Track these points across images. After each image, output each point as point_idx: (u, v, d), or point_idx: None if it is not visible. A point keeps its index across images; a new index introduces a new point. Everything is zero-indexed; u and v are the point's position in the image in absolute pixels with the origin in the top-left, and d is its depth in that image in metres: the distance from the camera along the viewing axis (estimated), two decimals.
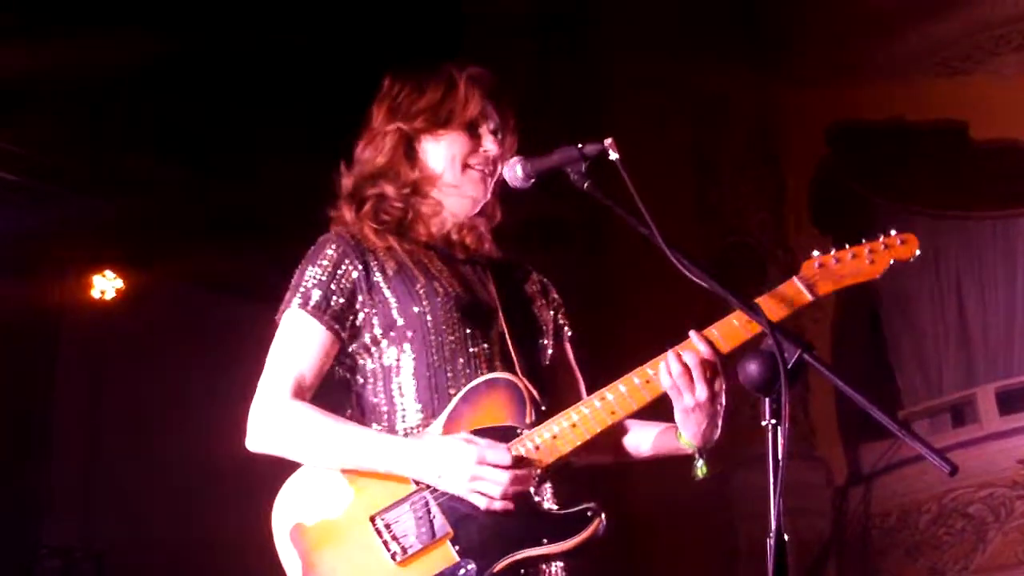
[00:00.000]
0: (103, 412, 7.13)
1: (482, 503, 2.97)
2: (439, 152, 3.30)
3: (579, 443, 3.05)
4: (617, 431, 3.22)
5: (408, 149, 3.31)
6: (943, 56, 7.61)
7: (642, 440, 3.30)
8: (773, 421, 2.63)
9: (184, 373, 7.16)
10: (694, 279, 2.83)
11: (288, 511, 3.05)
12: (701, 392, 3.02)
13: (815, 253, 3.14)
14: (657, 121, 8.13)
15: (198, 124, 6.94)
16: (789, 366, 2.64)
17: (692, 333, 3.05)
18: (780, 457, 2.59)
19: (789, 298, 3.05)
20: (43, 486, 7.02)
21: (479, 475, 2.96)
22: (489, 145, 3.30)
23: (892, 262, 3.16)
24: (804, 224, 8.01)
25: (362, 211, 3.27)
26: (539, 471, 3.04)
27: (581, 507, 3.04)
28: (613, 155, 2.95)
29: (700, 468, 3.13)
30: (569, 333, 3.45)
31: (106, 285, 7.31)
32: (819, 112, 7.96)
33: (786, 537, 2.55)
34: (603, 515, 3.03)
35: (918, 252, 3.14)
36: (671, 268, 2.85)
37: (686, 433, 3.11)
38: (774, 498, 2.55)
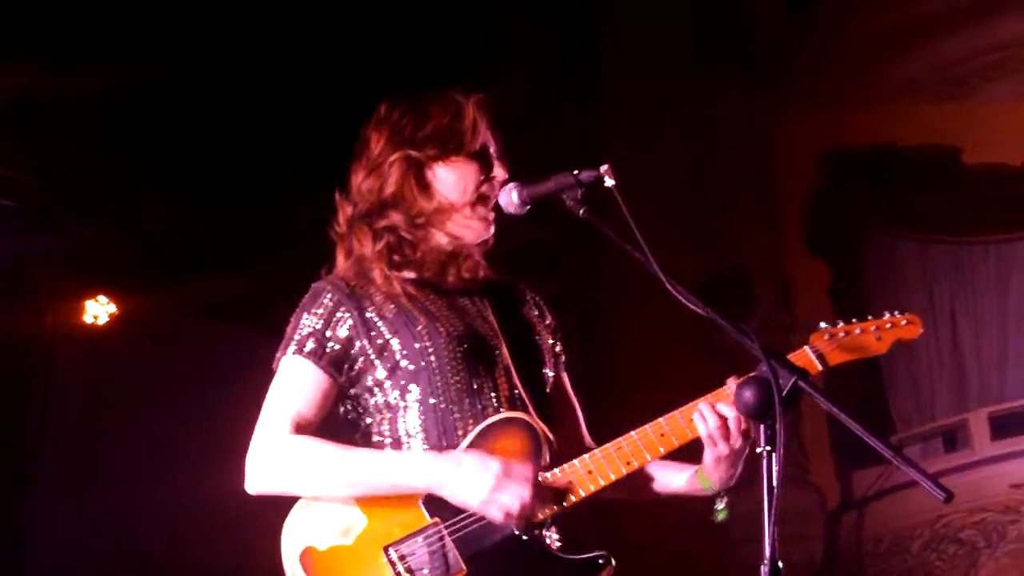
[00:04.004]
0: (95, 437, 7.09)
1: (499, 516, 2.95)
2: (451, 179, 3.24)
3: (593, 490, 3.06)
4: (641, 470, 3.22)
5: (418, 177, 3.25)
6: (936, 82, 7.63)
7: (674, 479, 3.31)
8: (768, 448, 2.64)
9: (177, 399, 7.13)
10: (689, 307, 2.84)
11: (298, 535, 3.01)
12: (736, 441, 3.07)
13: (823, 325, 3.25)
14: (651, 147, 8.14)
15: (194, 150, 6.93)
16: (784, 393, 2.65)
17: (729, 382, 3.07)
18: (775, 484, 2.60)
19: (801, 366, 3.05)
20: (33, 511, 6.99)
21: (501, 487, 2.94)
22: (499, 171, 3.27)
23: (897, 340, 3.27)
24: (798, 249, 8.02)
25: (377, 248, 3.22)
26: (554, 506, 3.03)
27: (594, 554, 3.06)
28: (609, 182, 2.95)
29: (721, 511, 3.16)
30: (564, 358, 3.45)
31: (99, 310, 7.28)
32: (813, 138, 7.96)
33: (780, 564, 2.55)
34: (613, 563, 3.04)
35: (921, 332, 3.28)
36: (665, 295, 2.85)
37: (712, 478, 3.15)
38: (769, 525, 2.55)
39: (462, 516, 3.01)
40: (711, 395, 3.11)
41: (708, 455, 3.11)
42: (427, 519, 3.00)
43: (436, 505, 3.01)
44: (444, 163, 3.26)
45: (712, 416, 3.06)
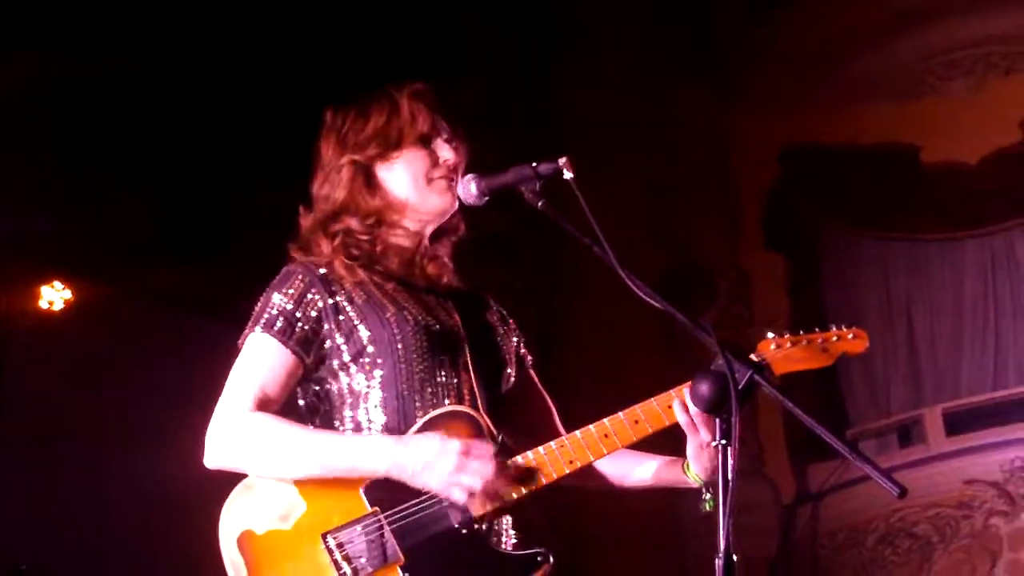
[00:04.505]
0: (50, 424, 7.05)
1: (462, 497, 2.96)
2: (398, 174, 3.26)
3: (535, 487, 3.06)
4: (613, 460, 3.23)
5: (367, 179, 3.26)
6: (895, 81, 7.68)
7: (642, 471, 3.31)
8: (723, 441, 2.65)
9: (133, 386, 7.10)
10: (646, 300, 2.84)
11: (236, 517, 3.00)
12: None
13: (770, 335, 3.22)
14: (610, 141, 8.15)
15: (154, 136, 6.89)
16: (740, 387, 2.65)
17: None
18: (730, 478, 2.60)
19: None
20: None
21: (463, 468, 2.94)
22: (447, 154, 3.27)
23: (844, 353, 3.26)
24: (757, 245, 8.05)
25: (334, 245, 3.22)
26: (520, 487, 3.04)
27: (532, 551, 3.05)
28: (568, 174, 2.96)
29: (708, 502, 3.15)
30: (531, 359, 3.45)
31: (54, 296, 7.24)
32: (772, 134, 8.00)
33: (735, 557, 2.56)
34: (551, 560, 3.04)
35: (867, 346, 3.26)
36: (626, 288, 2.86)
37: (696, 467, 3.13)
38: (723, 519, 2.56)
39: (403, 506, 3.00)
40: (687, 385, 3.10)
41: (691, 444, 3.11)
42: (367, 508, 2.99)
43: (377, 494, 3.00)
44: (387, 161, 3.27)
45: (691, 404, 3.05)
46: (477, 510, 2.99)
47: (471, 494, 2.97)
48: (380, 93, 3.32)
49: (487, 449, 3.00)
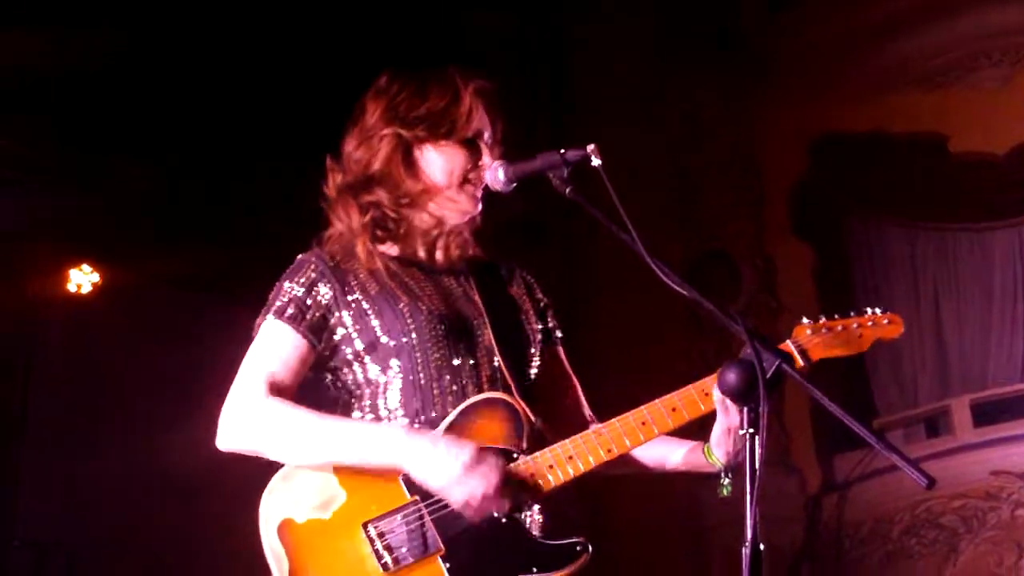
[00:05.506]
0: (79, 406, 7.09)
1: (459, 503, 2.95)
2: (438, 163, 3.22)
3: (572, 476, 3.06)
4: (647, 446, 3.21)
5: (406, 156, 3.23)
6: (924, 70, 7.64)
7: (670, 455, 3.30)
8: (751, 431, 2.64)
9: (160, 368, 7.13)
10: (673, 287, 2.83)
11: (277, 506, 3.00)
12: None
13: (805, 320, 3.23)
14: (637, 129, 8.13)
15: (179, 121, 6.91)
16: (768, 376, 2.64)
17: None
18: (757, 467, 2.59)
19: None
20: (16, 479, 6.98)
21: (468, 474, 2.93)
22: (488, 160, 3.24)
23: (878, 339, 3.29)
24: (783, 234, 8.02)
25: (364, 221, 3.21)
26: (527, 498, 3.04)
27: (572, 540, 3.05)
28: (596, 161, 2.94)
29: (726, 486, 3.15)
30: (559, 335, 3.43)
31: (83, 279, 7.27)
32: (800, 123, 7.97)
33: (761, 547, 2.55)
34: (590, 550, 3.03)
35: (902, 332, 3.29)
36: (649, 274, 2.85)
37: (718, 451, 3.14)
38: (750, 508, 2.55)
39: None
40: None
41: (719, 426, 3.10)
42: (407, 497, 2.99)
43: (418, 483, 3.00)
44: (433, 145, 3.23)
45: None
46: (472, 516, 2.97)
47: (468, 503, 2.95)
48: (444, 75, 3.28)
49: (496, 461, 2.97)
